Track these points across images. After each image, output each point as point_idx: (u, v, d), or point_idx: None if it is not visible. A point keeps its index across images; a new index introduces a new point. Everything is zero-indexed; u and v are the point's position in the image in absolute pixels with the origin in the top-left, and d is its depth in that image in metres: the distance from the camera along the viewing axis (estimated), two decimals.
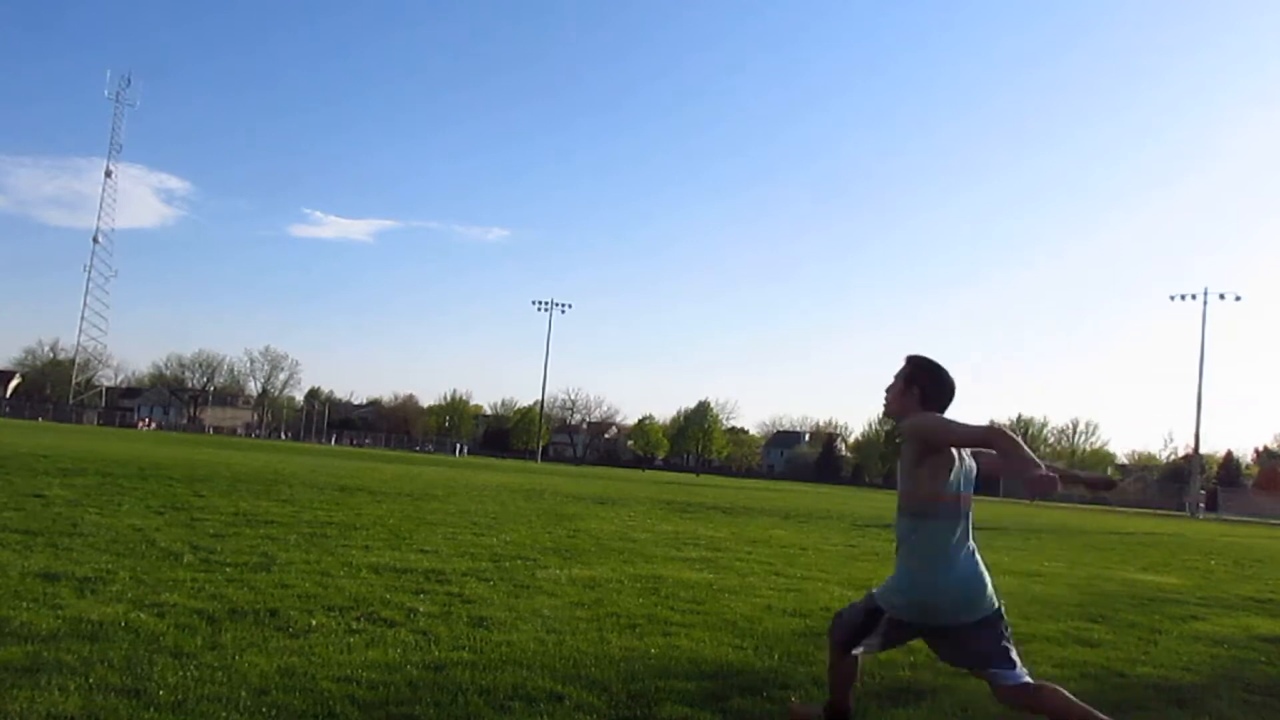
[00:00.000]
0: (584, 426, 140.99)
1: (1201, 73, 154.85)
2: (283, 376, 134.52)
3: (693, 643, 5.73)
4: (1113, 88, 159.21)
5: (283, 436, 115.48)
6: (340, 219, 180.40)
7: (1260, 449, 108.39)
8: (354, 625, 5.48)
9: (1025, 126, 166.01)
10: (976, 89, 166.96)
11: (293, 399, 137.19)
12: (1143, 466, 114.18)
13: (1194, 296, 71.33)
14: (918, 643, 4.12)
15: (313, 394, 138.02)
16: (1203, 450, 77.49)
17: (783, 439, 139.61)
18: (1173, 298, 72.81)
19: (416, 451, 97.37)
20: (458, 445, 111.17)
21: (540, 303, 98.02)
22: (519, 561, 8.90)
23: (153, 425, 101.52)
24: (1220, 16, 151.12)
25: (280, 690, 4.08)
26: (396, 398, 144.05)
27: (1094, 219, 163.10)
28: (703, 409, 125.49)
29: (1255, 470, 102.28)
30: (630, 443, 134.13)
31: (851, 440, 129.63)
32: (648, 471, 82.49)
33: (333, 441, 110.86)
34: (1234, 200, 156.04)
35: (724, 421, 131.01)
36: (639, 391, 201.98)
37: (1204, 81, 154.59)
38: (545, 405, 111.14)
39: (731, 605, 7.28)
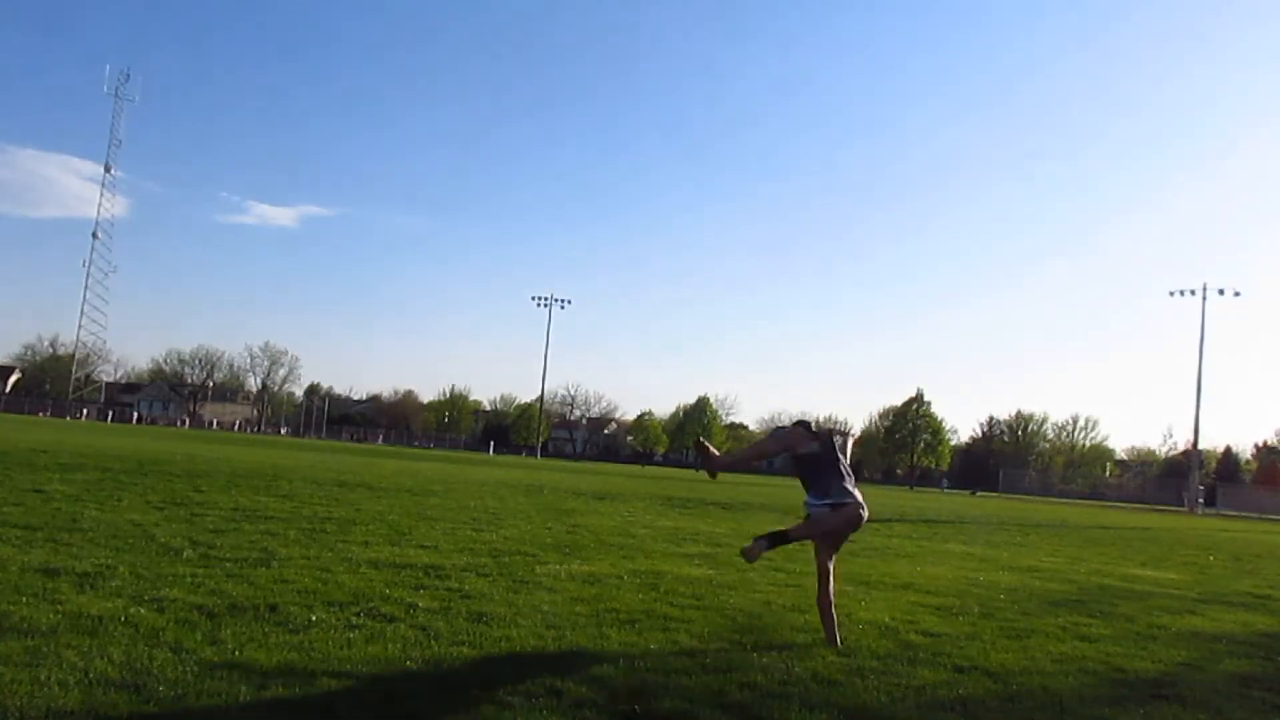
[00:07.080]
0: (583, 422, 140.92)
1: (1205, 79, 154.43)
2: (282, 372, 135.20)
3: (692, 638, 5.74)
4: (1115, 93, 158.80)
5: (282, 432, 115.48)
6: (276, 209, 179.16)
7: (1260, 444, 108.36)
8: (354, 620, 5.49)
9: (1030, 131, 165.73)
10: (981, 94, 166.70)
11: (292, 394, 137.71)
12: (1142, 462, 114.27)
13: (1193, 292, 71.91)
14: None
15: (312, 389, 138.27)
16: (1202, 446, 77.70)
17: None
18: (1172, 294, 73.43)
19: (416, 447, 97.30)
20: (464, 441, 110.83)
21: (540, 298, 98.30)
22: (518, 557, 8.90)
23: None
24: (1220, 23, 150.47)
25: (280, 685, 4.08)
26: (396, 393, 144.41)
27: (1096, 219, 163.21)
28: (702, 405, 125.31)
29: (1254, 466, 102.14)
30: (630, 438, 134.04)
31: (854, 436, 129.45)
32: (648, 467, 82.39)
33: (311, 435, 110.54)
34: (1233, 200, 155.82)
35: (723, 417, 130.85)
36: (638, 388, 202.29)
37: (1205, 87, 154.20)
38: (544, 401, 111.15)
39: (731, 600, 7.29)
